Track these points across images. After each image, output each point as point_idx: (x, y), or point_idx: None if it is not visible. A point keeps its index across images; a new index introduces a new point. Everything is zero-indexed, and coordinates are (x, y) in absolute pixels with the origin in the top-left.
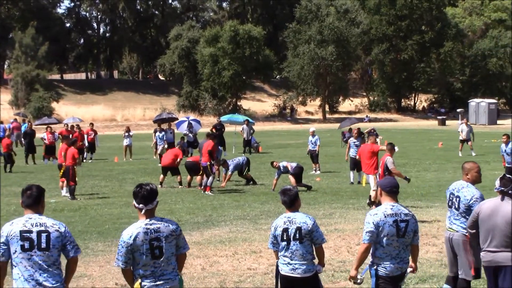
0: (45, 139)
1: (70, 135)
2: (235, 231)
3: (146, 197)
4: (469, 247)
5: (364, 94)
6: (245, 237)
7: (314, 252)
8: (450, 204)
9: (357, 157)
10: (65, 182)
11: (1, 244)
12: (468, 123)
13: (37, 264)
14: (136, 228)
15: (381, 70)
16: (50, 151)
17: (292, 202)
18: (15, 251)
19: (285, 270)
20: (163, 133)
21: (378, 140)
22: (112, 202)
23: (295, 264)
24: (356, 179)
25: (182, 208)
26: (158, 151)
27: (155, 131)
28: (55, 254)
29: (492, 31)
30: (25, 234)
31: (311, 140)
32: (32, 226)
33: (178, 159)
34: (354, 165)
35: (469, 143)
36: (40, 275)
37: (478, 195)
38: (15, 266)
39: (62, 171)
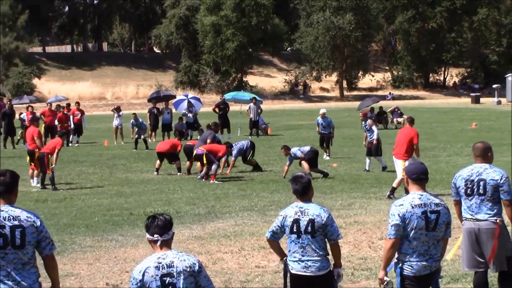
0: (25, 121)
1: (55, 116)
2: (241, 224)
3: (161, 226)
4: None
5: (387, 68)
6: (252, 230)
7: (328, 248)
8: (469, 192)
9: (364, 143)
10: (38, 170)
11: None
12: None
13: (11, 263)
14: (148, 262)
15: (406, 41)
16: None
17: (304, 191)
18: None
19: (296, 269)
20: (138, 121)
21: (401, 120)
22: (101, 192)
23: (307, 261)
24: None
25: (181, 198)
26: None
27: (149, 111)
28: (30, 252)
29: None
30: None
31: (321, 123)
32: (5, 220)
33: (177, 150)
34: (368, 151)
35: None
36: (16, 275)
37: (505, 173)
38: None
39: (30, 156)
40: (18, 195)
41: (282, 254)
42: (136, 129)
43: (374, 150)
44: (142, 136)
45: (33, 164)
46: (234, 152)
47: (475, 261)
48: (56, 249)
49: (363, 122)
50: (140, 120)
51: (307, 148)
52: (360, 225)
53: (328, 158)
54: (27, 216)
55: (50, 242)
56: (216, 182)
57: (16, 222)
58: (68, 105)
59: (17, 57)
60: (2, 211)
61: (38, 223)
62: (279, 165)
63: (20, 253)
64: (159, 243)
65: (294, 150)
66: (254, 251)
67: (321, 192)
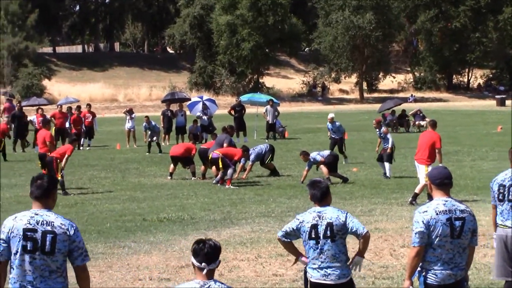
0: (34, 123)
1: (65, 118)
2: (257, 231)
3: (210, 254)
4: None
5: (409, 69)
6: (269, 237)
7: (351, 250)
8: (501, 197)
9: (377, 149)
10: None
11: (1, 241)
12: None
13: (39, 268)
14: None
15: (429, 41)
16: None
17: (322, 196)
18: (16, 252)
19: (315, 277)
20: (151, 124)
21: (423, 123)
22: (113, 197)
23: (327, 268)
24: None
25: (196, 203)
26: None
27: (163, 113)
28: (60, 260)
29: None
30: (28, 233)
31: (331, 128)
32: (38, 224)
33: (192, 154)
34: (380, 157)
35: None
36: (41, 282)
37: None
38: (14, 269)
39: (41, 160)
40: (27, 200)
41: (297, 253)
42: (149, 132)
43: (386, 157)
44: (155, 139)
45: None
46: (252, 156)
47: (505, 270)
48: (89, 260)
49: (377, 130)
50: (153, 123)
51: (326, 152)
52: (381, 232)
53: (345, 162)
54: (61, 223)
55: (83, 253)
56: (231, 187)
57: (48, 228)
58: (79, 107)
59: (27, 57)
60: (37, 214)
61: (72, 232)
62: (297, 169)
63: (49, 260)
64: (205, 271)
65: (314, 154)
66: (271, 258)
67: (340, 197)
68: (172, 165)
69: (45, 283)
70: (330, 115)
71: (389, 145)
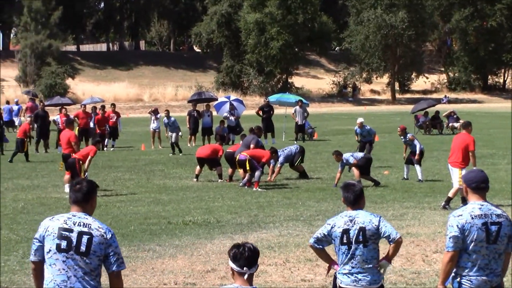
0: (58, 123)
1: (89, 119)
2: (286, 235)
3: (250, 258)
4: None
5: (442, 69)
6: (298, 241)
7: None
8: None
9: (404, 155)
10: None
11: (35, 240)
12: None
13: (72, 268)
14: None
15: (463, 41)
16: None
17: (356, 200)
18: (49, 250)
19: (345, 282)
20: (170, 119)
21: (457, 125)
22: (138, 199)
23: (358, 274)
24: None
25: (222, 206)
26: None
27: (189, 114)
28: (94, 262)
29: None
30: (64, 233)
31: (360, 133)
32: (74, 224)
33: (219, 155)
34: (409, 160)
35: None
36: (75, 282)
37: None
38: (48, 268)
39: (65, 161)
40: (50, 202)
41: (329, 260)
42: (169, 131)
43: (416, 160)
44: (175, 139)
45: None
46: (281, 158)
47: None
48: (125, 268)
49: (402, 137)
50: (172, 118)
51: (360, 155)
52: (413, 237)
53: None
54: (98, 226)
55: (119, 259)
56: (259, 189)
57: (85, 229)
58: (103, 107)
59: (50, 56)
60: (75, 216)
61: (109, 236)
62: (326, 172)
63: (82, 261)
64: (246, 276)
65: (347, 156)
66: (299, 263)
67: (371, 201)
68: (198, 167)
69: (79, 283)
70: (359, 120)
71: (417, 152)
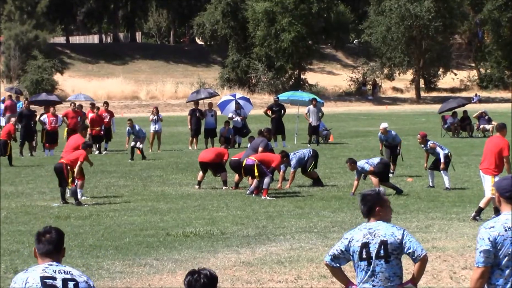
0: (45, 123)
1: (79, 118)
2: (297, 248)
3: (207, 286)
4: None
5: (473, 65)
6: (311, 256)
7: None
8: None
9: (425, 165)
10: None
11: None
12: None
13: None
14: None
15: (496, 33)
16: (51, 138)
17: (370, 211)
18: None
19: None
20: (135, 128)
21: (489, 127)
22: (133, 208)
23: None
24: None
25: (227, 216)
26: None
27: (190, 113)
28: None
29: None
30: (47, 281)
31: (385, 139)
32: (55, 272)
33: (224, 160)
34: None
35: None
36: None
37: None
38: None
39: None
40: (36, 211)
41: (346, 281)
42: (133, 137)
43: (442, 167)
44: (139, 145)
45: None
46: (293, 162)
47: None
48: None
49: (422, 145)
50: (137, 127)
51: (376, 160)
52: (440, 252)
53: (391, 175)
54: (79, 274)
55: None
56: (268, 198)
57: (68, 276)
58: (93, 105)
59: (36, 48)
60: (51, 265)
61: (92, 283)
62: (343, 179)
63: None
64: None
65: (361, 163)
66: (313, 280)
67: (393, 211)
68: (200, 173)
69: None
70: (383, 125)
71: (443, 159)
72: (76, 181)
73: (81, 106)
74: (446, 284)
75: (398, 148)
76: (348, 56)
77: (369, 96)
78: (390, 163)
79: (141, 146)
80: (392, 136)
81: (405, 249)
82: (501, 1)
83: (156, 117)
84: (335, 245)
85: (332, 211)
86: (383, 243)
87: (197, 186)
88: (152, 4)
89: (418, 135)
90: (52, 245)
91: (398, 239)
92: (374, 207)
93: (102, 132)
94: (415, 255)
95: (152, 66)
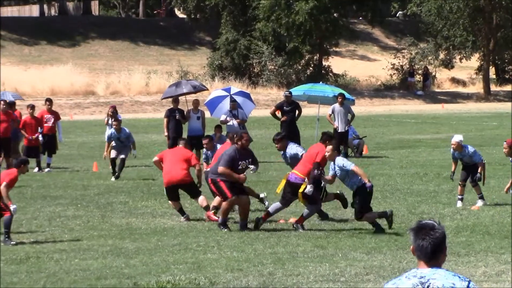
0: None
1: (13, 122)
2: None
3: None
4: None
5: None
6: None
7: None
8: None
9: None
10: None
11: None
12: None
13: None
14: None
15: None
16: None
17: (434, 251)
18: None
19: None
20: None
21: None
22: (87, 248)
23: None
24: None
25: (219, 259)
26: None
27: (167, 115)
28: None
29: None
30: None
31: (459, 158)
32: None
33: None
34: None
35: None
36: None
37: None
38: None
39: None
40: None
41: None
42: (114, 145)
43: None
44: (123, 156)
45: None
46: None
47: None
48: None
49: (510, 158)
50: (127, 131)
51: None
52: None
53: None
54: None
55: None
56: (300, 228)
57: None
58: (33, 107)
59: None
60: None
61: None
62: (381, 205)
63: None
64: None
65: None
66: None
67: (451, 252)
68: (172, 201)
69: None
70: (457, 138)
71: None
72: (10, 206)
73: (10, 105)
74: None
75: (479, 171)
76: (388, 34)
77: (419, 91)
78: (464, 186)
79: (123, 156)
80: (469, 153)
81: None
82: None
83: (113, 119)
84: None
85: (367, 251)
86: None
87: (182, 218)
88: None
89: (505, 143)
90: None
91: None
92: (440, 247)
93: (41, 141)
94: None
95: (113, 49)
